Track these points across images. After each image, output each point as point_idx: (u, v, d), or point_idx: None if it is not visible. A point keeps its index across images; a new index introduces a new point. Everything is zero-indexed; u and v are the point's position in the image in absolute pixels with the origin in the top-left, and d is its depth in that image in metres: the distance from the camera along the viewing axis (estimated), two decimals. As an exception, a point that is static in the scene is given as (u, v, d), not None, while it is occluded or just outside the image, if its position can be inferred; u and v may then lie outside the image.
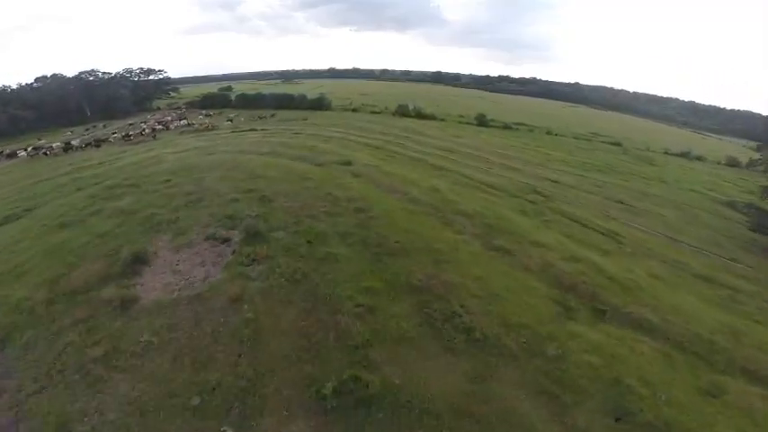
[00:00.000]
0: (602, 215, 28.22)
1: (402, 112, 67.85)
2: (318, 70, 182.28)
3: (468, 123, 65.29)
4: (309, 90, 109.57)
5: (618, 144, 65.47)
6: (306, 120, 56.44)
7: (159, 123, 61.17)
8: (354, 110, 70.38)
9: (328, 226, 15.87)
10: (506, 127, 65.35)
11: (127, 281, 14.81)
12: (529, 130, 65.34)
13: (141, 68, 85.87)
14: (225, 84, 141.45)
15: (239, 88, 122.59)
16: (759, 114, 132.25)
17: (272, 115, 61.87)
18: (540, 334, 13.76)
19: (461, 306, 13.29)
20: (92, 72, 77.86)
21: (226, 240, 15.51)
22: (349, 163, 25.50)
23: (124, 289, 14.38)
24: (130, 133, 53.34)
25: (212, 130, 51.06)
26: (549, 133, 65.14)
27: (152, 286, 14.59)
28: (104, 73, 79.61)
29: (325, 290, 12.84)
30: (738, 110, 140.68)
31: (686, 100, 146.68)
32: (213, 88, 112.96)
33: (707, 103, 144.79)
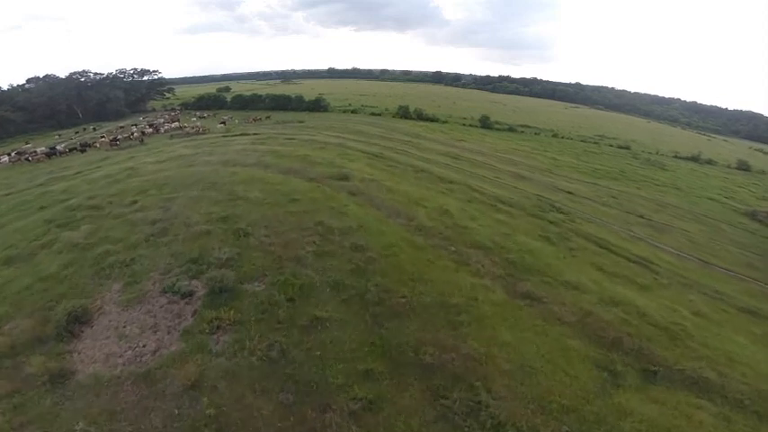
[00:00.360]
0: (627, 235, 24.90)
1: (403, 113, 64.23)
2: (318, 70, 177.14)
3: (471, 126, 61.69)
4: (308, 91, 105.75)
5: (626, 147, 62.04)
6: (302, 122, 52.83)
7: (150, 126, 57.46)
8: (353, 111, 66.80)
9: (317, 273, 12.43)
10: (511, 129, 61.80)
11: (63, 345, 11.59)
12: (535, 133, 61.79)
13: (135, 69, 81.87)
14: (224, 84, 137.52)
15: (237, 89, 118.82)
16: (761, 115, 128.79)
17: (268, 117, 58.23)
18: (586, 417, 10.59)
19: (487, 390, 9.96)
20: (83, 73, 73.95)
21: (187, 295, 12.09)
22: (345, 177, 22.03)
23: (57, 358, 11.17)
24: (119, 137, 49.70)
25: (203, 133, 47.49)
26: (554, 136, 61.62)
27: (91, 355, 11.29)
28: (96, 74, 75.65)
29: (311, 374, 9.47)
30: (741, 110, 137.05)
31: (688, 100, 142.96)
32: (212, 89, 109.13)
33: (709, 104, 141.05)
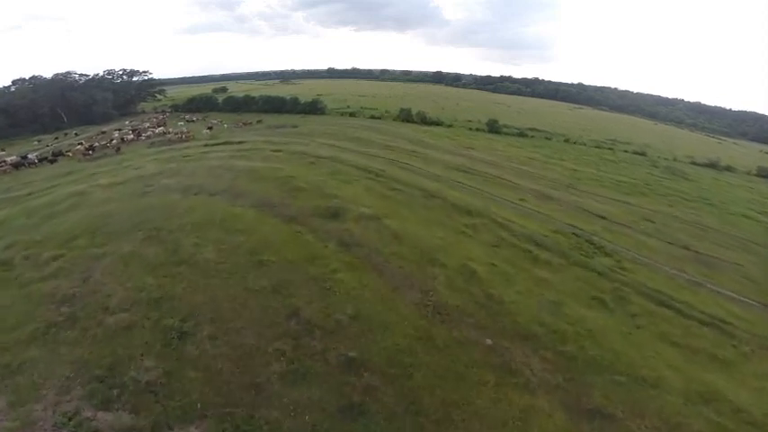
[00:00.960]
0: (684, 281, 19.88)
1: (405, 117, 58.81)
2: (317, 70, 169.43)
3: (478, 130, 56.33)
4: (306, 91, 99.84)
5: (642, 153, 56.79)
6: (295, 127, 47.41)
7: (133, 131, 52.10)
8: (352, 114, 61.23)
9: (286, 415, 7.45)
10: (521, 134, 56.49)
11: None
12: (545, 138, 56.51)
13: (124, 69, 75.92)
14: (222, 84, 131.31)
15: (235, 89, 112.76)
16: (766, 116, 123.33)
17: (259, 121, 52.69)
18: None
19: None
20: (66, 75, 68.22)
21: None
22: (336, 215, 16.92)
23: None
24: (95, 145, 44.36)
25: (186, 140, 42.18)
26: (567, 141, 56.38)
27: None
28: (81, 75, 69.85)
29: None
30: (745, 111, 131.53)
31: (692, 101, 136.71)
32: (208, 89, 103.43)
33: (712, 105, 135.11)
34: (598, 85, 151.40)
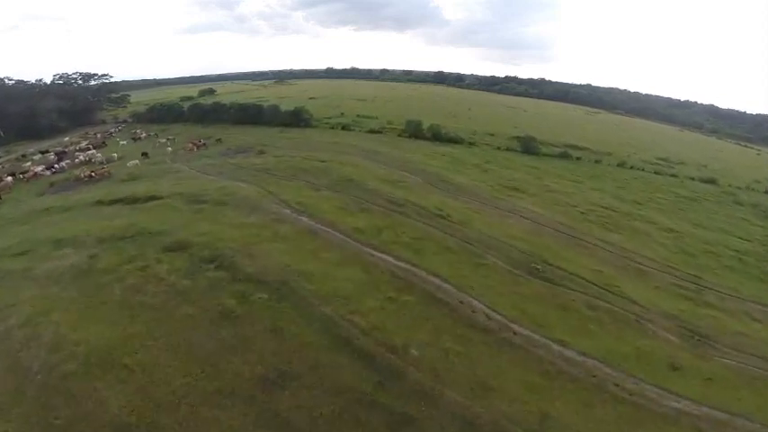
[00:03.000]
0: None
1: (413, 131, 42.21)
2: (316, 70, 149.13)
3: (509, 150, 39.77)
4: (299, 93, 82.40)
5: (711, 181, 40.50)
6: (262, 153, 30.92)
7: (57, 155, 35.78)
8: (345, 127, 44.42)
9: None
10: (563, 155, 40.03)
11: None
12: (595, 161, 40.09)
13: (79, 73, 58.30)
14: (219, 84, 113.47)
15: (226, 90, 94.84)
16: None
17: (219, 140, 35.87)
18: None
19: None
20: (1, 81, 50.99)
21: None
22: None
23: None
24: (-22, 183, 28.23)
25: (98, 178, 26.06)
26: (620, 165, 40.03)
27: None
28: (20, 81, 52.59)
29: None
30: (762, 114, 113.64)
31: (705, 103, 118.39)
32: (194, 91, 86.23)
33: (726, 107, 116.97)
34: (604, 86, 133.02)
